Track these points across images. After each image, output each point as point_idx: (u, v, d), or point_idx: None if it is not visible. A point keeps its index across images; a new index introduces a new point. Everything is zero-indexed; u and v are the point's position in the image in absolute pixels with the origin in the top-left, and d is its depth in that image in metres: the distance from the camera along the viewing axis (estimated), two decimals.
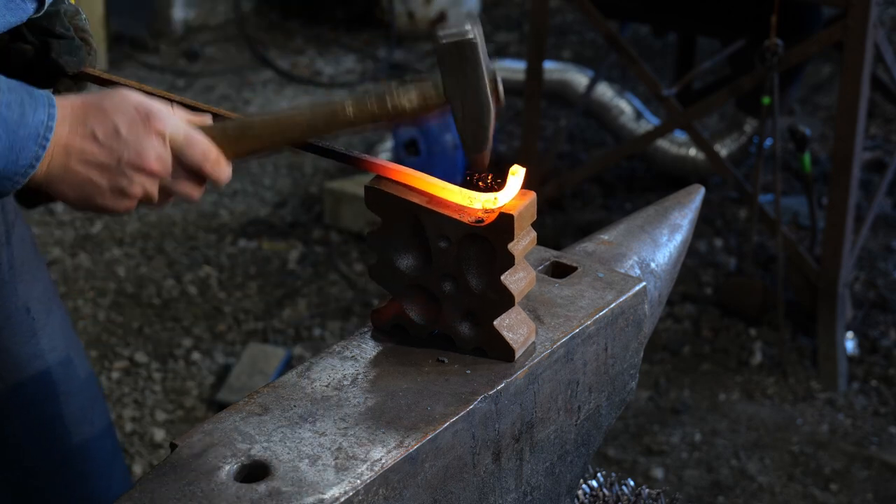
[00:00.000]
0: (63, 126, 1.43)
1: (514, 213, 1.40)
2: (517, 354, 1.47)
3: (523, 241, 1.44)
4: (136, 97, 1.46)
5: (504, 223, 1.41)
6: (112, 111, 1.44)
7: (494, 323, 1.46)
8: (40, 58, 1.64)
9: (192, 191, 1.50)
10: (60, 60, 1.65)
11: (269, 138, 1.50)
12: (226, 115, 1.56)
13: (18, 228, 1.87)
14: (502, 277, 1.44)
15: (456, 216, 1.43)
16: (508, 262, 1.43)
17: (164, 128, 1.45)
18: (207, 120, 1.51)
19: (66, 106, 1.44)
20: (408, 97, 1.45)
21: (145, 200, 1.49)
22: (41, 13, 1.61)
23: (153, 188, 1.47)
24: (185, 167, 1.47)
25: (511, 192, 1.43)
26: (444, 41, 1.41)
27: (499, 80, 1.43)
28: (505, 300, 1.45)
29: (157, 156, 1.45)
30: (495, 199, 1.42)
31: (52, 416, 1.95)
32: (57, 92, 1.68)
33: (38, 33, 1.64)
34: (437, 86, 1.44)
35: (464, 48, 1.40)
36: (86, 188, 1.45)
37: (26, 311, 1.88)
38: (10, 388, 1.89)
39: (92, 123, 1.44)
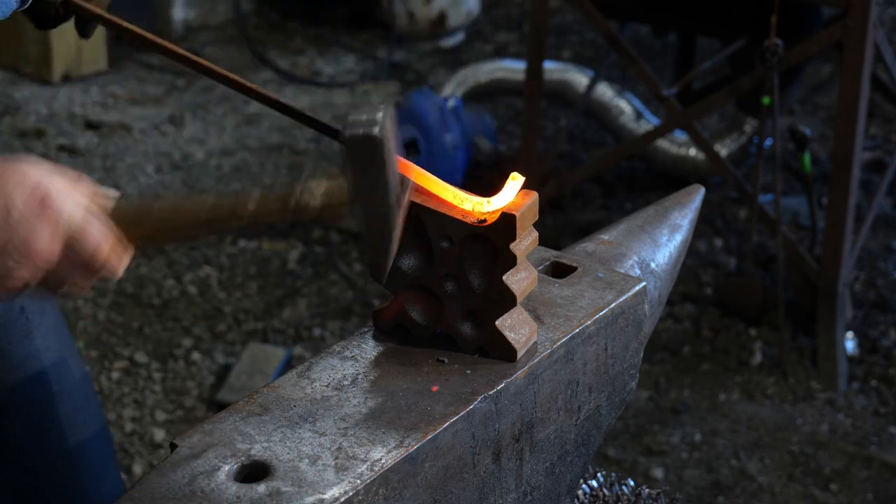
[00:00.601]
0: None
1: (517, 213, 1.41)
2: (519, 354, 1.47)
3: (525, 241, 1.45)
4: (39, 173, 1.36)
5: (506, 223, 1.41)
6: (9, 188, 1.34)
7: (496, 323, 1.47)
8: None
9: (81, 283, 1.41)
10: None
11: (169, 227, 1.42)
12: (233, 78, 1.48)
13: None
14: (504, 277, 1.44)
15: (458, 216, 1.43)
16: (510, 262, 1.43)
17: (59, 214, 1.35)
18: (110, 195, 1.42)
19: None
20: (312, 195, 1.37)
21: (28, 285, 1.39)
22: (25, 6, 1.59)
23: (38, 274, 1.37)
24: (76, 257, 1.38)
25: (505, 198, 1.42)
26: (348, 133, 1.30)
27: (408, 185, 1.35)
28: (507, 300, 1.45)
29: (44, 246, 1.35)
30: (488, 201, 1.42)
31: (48, 415, 1.94)
32: (43, 24, 1.63)
33: None
34: (345, 184, 1.36)
35: (369, 144, 1.29)
36: None
37: (21, 310, 1.86)
38: (7, 389, 1.88)
39: None
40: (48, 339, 1.91)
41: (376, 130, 1.27)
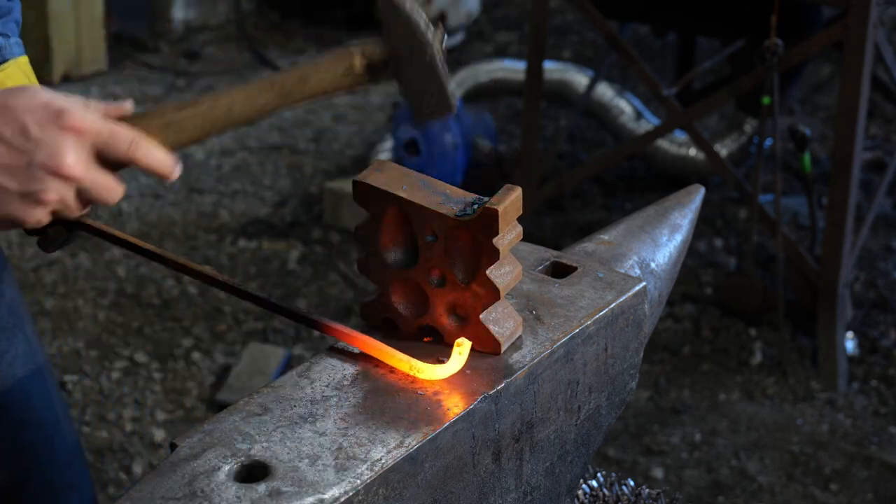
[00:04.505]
0: None
1: (499, 209, 1.42)
2: (503, 347, 1.49)
3: (509, 236, 1.47)
4: (45, 94, 1.32)
5: (489, 218, 1.43)
6: (19, 109, 1.30)
7: (481, 317, 1.48)
8: None
9: (114, 190, 1.36)
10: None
11: (201, 132, 1.40)
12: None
13: None
14: (488, 272, 1.46)
15: (443, 211, 1.45)
16: (494, 256, 1.45)
17: (82, 124, 1.31)
18: (126, 108, 1.39)
19: None
20: (352, 61, 1.38)
21: (60, 208, 1.35)
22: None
23: (69, 193, 1.33)
24: (111, 162, 1.34)
25: (454, 367, 1.44)
26: None
27: (441, 30, 1.39)
28: (491, 294, 1.47)
29: (75, 157, 1.31)
30: (437, 372, 1.44)
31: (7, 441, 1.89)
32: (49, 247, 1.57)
33: None
34: (377, 45, 1.38)
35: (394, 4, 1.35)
36: None
37: None
38: None
39: None
40: (14, 366, 1.85)
41: None
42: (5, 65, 1.61)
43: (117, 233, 1.55)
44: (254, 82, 1.40)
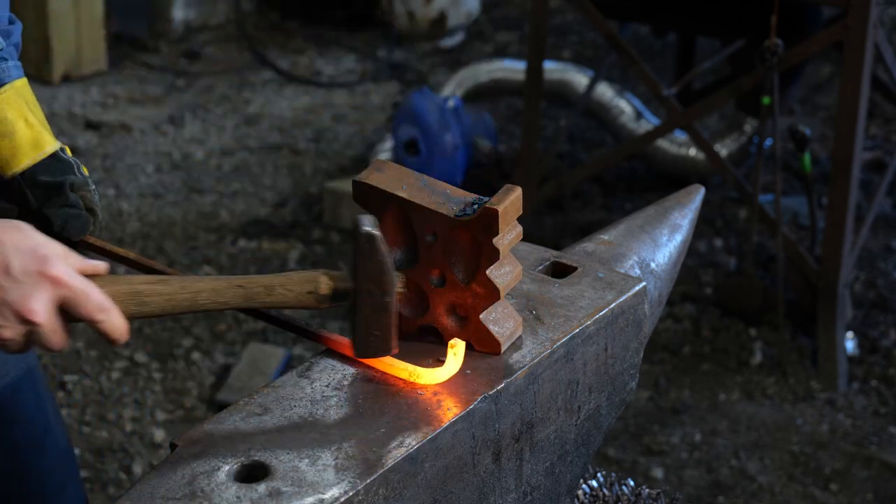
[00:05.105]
0: None
1: (499, 209, 1.42)
2: (503, 347, 1.49)
3: (509, 236, 1.47)
4: (37, 238, 1.37)
5: (489, 218, 1.43)
6: (8, 245, 1.35)
7: (481, 316, 1.48)
8: (42, 224, 1.60)
9: (62, 342, 1.40)
10: (64, 233, 1.63)
11: (160, 310, 1.44)
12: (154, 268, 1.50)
13: None
14: (488, 272, 1.46)
15: (443, 211, 1.45)
16: (494, 256, 1.45)
17: (61, 276, 1.36)
18: (101, 268, 1.44)
19: None
20: (318, 285, 1.42)
21: (5, 344, 1.38)
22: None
23: (21, 335, 1.37)
24: (73, 319, 1.39)
25: (452, 369, 1.45)
26: (362, 230, 1.38)
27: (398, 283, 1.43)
28: (491, 294, 1.47)
29: (43, 306, 1.35)
30: (436, 375, 1.45)
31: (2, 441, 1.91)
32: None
33: (43, 202, 1.63)
34: (344, 276, 1.42)
35: (375, 240, 1.38)
36: None
37: None
38: None
39: None
40: (6, 365, 1.87)
41: (376, 231, 1.38)
42: (3, 88, 1.66)
43: (120, 251, 1.62)
44: (223, 279, 1.43)
